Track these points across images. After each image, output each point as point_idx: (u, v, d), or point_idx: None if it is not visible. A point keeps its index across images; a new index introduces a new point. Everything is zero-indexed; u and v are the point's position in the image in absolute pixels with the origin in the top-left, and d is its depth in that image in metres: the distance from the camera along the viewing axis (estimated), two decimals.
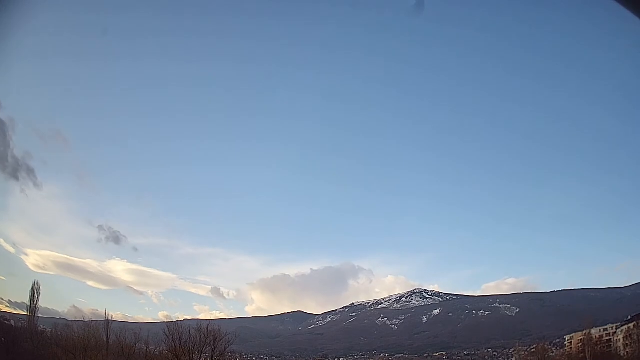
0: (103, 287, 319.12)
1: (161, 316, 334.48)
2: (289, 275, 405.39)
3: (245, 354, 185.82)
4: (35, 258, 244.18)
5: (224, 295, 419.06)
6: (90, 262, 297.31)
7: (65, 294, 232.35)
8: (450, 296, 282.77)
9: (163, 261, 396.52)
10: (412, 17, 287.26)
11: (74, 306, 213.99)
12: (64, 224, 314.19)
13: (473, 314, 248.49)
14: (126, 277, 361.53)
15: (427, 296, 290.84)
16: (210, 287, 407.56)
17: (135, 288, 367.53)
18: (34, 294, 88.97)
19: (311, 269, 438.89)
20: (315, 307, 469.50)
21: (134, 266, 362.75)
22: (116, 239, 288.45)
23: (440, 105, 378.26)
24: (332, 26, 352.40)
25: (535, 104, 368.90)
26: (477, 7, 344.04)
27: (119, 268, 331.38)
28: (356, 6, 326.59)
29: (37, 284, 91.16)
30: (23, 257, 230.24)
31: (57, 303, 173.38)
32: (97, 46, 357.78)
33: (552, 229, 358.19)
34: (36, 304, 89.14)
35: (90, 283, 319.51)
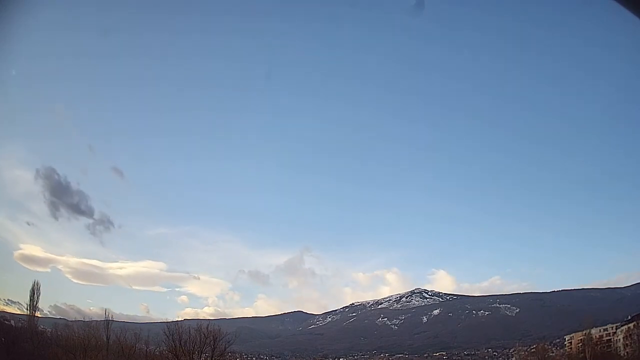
0: (80, 282, 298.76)
1: (142, 309, 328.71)
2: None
3: (245, 354, 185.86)
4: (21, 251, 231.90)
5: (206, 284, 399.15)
6: (62, 253, 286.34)
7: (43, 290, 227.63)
8: (450, 296, 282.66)
9: (137, 245, 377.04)
10: (412, 16, 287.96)
11: (55, 304, 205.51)
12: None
13: (473, 314, 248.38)
14: (101, 270, 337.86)
15: (427, 296, 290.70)
16: (191, 276, 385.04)
17: (115, 282, 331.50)
18: (34, 293, 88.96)
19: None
20: (315, 307, 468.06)
21: (106, 251, 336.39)
22: (65, 190, 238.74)
23: (439, 103, 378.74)
24: (331, 25, 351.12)
25: (535, 103, 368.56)
26: (478, 7, 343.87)
27: (93, 258, 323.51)
28: (355, 5, 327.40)
29: (37, 283, 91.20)
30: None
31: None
32: (95, 44, 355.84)
33: (552, 229, 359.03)
34: (36, 304, 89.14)
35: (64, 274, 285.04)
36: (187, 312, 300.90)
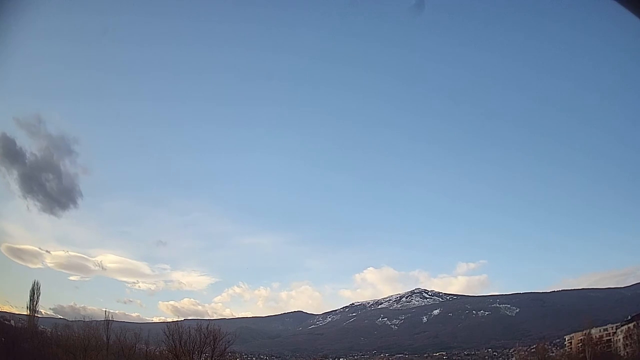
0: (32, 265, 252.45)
1: (115, 301, 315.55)
2: None
3: (245, 354, 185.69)
4: None
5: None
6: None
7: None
8: (450, 296, 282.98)
9: (100, 220, 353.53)
10: (413, 15, 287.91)
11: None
12: None
13: (473, 314, 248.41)
14: (81, 259, 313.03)
15: (427, 296, 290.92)
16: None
17: (92, 273, 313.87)
18: (34, 294, 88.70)
19: None
20: (315, 307, 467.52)
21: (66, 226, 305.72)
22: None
23: (444, 98, 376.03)
24: (341, 19, 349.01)
25: (539, 101, 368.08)
26: (481, 7, 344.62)
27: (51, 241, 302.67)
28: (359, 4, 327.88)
29: (37, 283, 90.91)
30: None
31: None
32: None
33: (552, 228, 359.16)
34: (36, 304, 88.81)
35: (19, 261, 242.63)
36: (167, 305, 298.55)
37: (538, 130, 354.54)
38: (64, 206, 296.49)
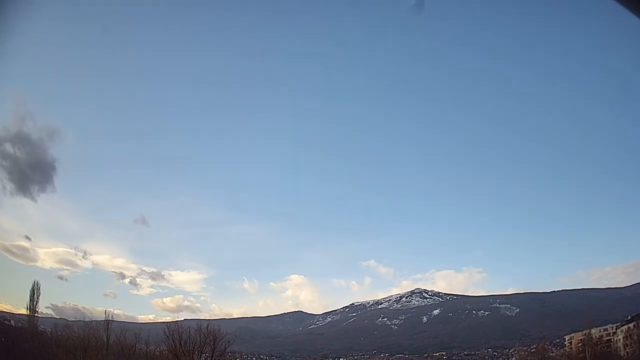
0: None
1: (102, 295, 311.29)
2: None
3: (245, 354, 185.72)
4: None
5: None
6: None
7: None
8: (450, 296, 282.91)
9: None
10: (413, 15, 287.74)
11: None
12: None
13: (473, 314, 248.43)
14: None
15: (427, 296, 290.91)
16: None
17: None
18: (34, 294, 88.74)
19: None
20: (315, 307, 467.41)
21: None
22: None
23: (440, 103, 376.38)
24: (332, 22, 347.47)
25: (535, 104, 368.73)
26: (480, 7, 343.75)
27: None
28: (357, 5, 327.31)
29: (37, 284, 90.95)
30: None
31: None
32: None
33: (551, 228, 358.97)
34: (36, 304, 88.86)
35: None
36: (159, 302, 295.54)
37: (538, 130, 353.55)
38: (41, 187, 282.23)
